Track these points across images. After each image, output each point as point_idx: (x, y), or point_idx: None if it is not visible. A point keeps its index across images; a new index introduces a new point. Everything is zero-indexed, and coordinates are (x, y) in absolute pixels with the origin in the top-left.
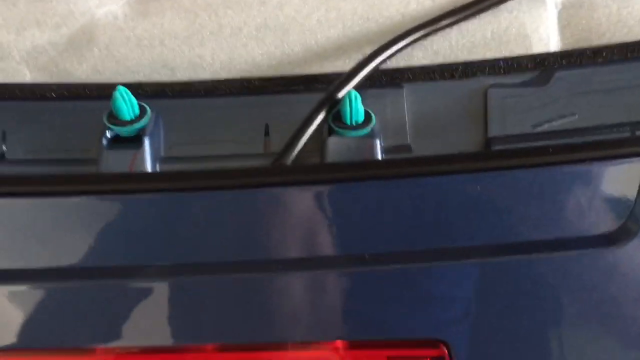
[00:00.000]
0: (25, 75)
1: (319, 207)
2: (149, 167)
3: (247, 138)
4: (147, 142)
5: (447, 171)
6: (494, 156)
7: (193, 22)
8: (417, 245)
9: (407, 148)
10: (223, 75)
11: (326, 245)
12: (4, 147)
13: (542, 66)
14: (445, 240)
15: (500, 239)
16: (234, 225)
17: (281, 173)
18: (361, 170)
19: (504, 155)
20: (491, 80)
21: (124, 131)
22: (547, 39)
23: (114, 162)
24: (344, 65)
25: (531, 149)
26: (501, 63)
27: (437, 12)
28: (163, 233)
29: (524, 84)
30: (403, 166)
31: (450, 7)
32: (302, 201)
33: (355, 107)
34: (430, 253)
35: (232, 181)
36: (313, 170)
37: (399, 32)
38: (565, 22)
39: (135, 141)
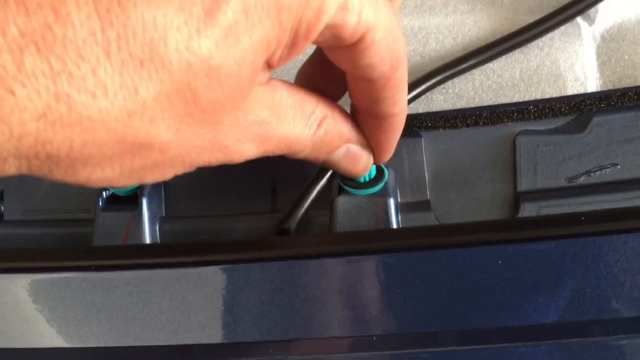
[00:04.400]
0: None
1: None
2: (147, 228)
3: (253, 194)
4: (144, 202)
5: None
6: (531, 225)
7: None
8: (429, 328)
9: (426, 205)
10: None
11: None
12: (1, 207)
13: (578, 110)
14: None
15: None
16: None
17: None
18: (369, 241)
19: (543, 223)
20: (520, 126)
21: (120, 190)
22: (584, 78)
23: (110, 223)
24: None
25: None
26: (531, 107)
27: (458, 51)
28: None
29: (557, 131)
30: (419, 237)
31: (474, 46)
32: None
33: None
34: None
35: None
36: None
37: (417, 74)
38: (605, 58)
39: (132, 201)
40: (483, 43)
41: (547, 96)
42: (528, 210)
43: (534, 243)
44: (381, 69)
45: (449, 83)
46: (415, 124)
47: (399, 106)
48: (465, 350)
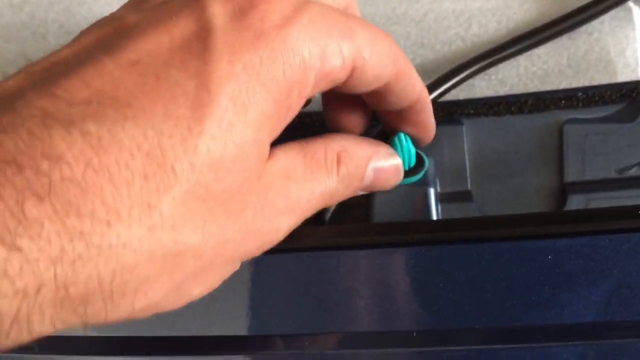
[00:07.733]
0: None
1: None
2: None
3: None
4: None
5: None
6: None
7: None
8: (483, 324)
9: (467, 195)
10: None
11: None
12: None
13: (629, 97)
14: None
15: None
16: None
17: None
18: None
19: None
20: (568, 114)
21: None
22: (635, 64)
23: None
24: None
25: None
26: (580, 94)
27: (502, 36)
28: None
29: (607, 119)
30: (462, 229)
31: (519, 30)
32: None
33: (407, 150)
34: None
35: None
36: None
37: (459, 60)
38: None
39: None
40: (528, 28)
41: (596, 83)
42: (576, 202)
43: (584, 237)
44: (386, 72)
45: (492, 69)
46: (457, 111)
47: (417, 85)
48: (510, 348)
